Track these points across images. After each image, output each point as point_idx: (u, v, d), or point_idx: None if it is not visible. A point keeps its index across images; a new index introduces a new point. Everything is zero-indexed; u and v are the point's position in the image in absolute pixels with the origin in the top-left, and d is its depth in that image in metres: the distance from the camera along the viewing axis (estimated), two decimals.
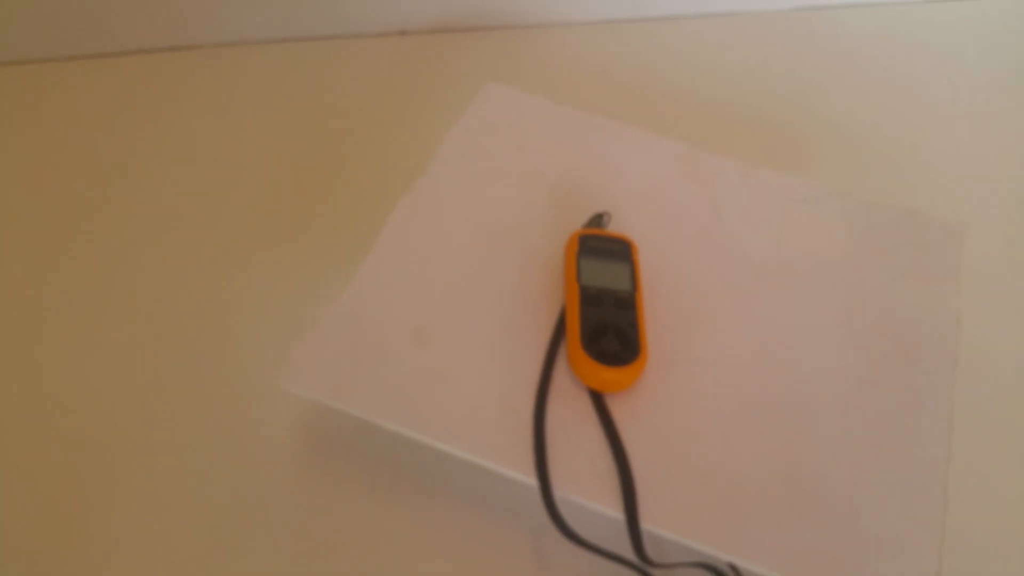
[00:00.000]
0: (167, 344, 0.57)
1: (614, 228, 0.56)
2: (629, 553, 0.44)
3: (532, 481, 0.44)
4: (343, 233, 0.64)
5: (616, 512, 0.43)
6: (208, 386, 0.55)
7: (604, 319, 0.48)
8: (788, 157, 0.71)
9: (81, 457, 0.51)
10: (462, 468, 0.50)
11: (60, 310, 0.59)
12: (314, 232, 0.64)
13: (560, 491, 0.44)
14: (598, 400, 0.47)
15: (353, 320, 0.50)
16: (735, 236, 0.56)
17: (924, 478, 0.45)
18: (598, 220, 0.55)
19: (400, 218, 0.56)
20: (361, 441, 0.52)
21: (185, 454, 0.52)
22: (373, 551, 0.48)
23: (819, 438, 0.47)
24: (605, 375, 0.47)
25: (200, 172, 0.68)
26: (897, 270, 0.55)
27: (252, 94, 0.74)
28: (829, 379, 0.49)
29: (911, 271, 0.55)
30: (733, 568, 0.43)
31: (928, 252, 0.56)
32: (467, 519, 0.50)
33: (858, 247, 0.56)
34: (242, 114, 0.72)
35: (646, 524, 0.43)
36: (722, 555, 0.42)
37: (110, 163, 0.68)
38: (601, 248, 0.52)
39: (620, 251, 0.52)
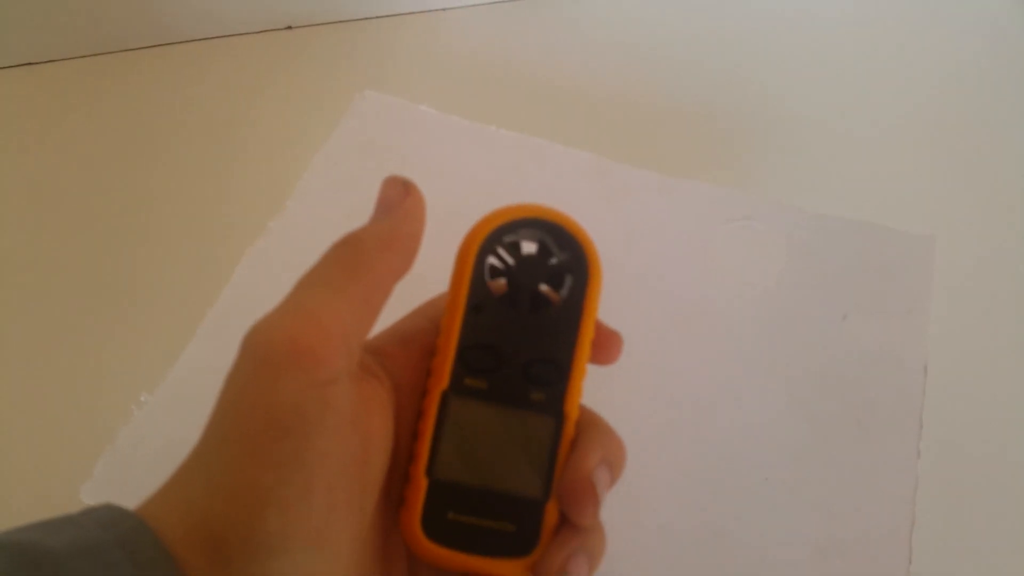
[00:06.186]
0: None
1: None
2: None
3: None
4: (186, 290, 0.53)
5: None
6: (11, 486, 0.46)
7: None
8: (717, 164, 0.60)
9: None
10: None
11: None
12: (150, 287, 0.53)
13: None
14: None
15: (175, 416, 0.41)
16: (650, 270, 0.46)
17: None
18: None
19: (246, 273, 0.46)
20: None
21: None
22: None
23: (747, 548, 0.37)
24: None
25: None
26: (850, 304, 0.44)
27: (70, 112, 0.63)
28: (762, 462, 0.39)
29: (868, 304, 0.44)
30: None
31: (890, 276, 0.45)
32: None
33: (802, 275, 0.46)
34: (78, 128, 0.62)
35: None
36: None
37: None
38: None
39: None
